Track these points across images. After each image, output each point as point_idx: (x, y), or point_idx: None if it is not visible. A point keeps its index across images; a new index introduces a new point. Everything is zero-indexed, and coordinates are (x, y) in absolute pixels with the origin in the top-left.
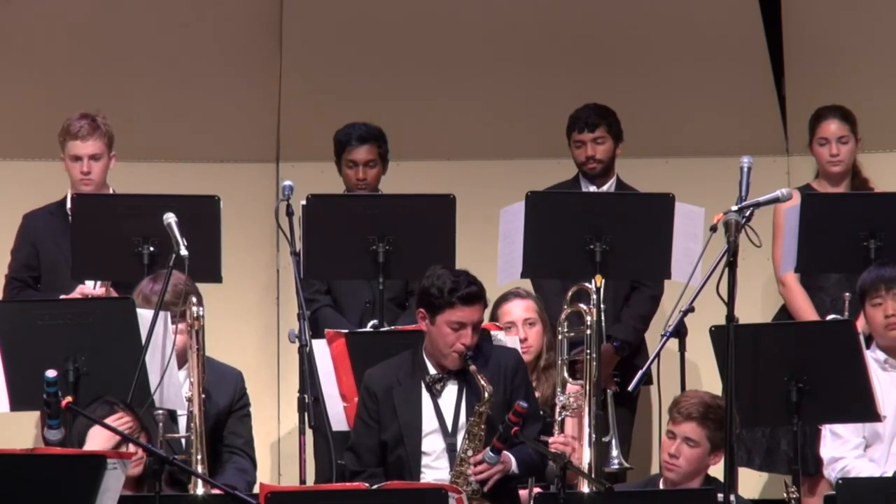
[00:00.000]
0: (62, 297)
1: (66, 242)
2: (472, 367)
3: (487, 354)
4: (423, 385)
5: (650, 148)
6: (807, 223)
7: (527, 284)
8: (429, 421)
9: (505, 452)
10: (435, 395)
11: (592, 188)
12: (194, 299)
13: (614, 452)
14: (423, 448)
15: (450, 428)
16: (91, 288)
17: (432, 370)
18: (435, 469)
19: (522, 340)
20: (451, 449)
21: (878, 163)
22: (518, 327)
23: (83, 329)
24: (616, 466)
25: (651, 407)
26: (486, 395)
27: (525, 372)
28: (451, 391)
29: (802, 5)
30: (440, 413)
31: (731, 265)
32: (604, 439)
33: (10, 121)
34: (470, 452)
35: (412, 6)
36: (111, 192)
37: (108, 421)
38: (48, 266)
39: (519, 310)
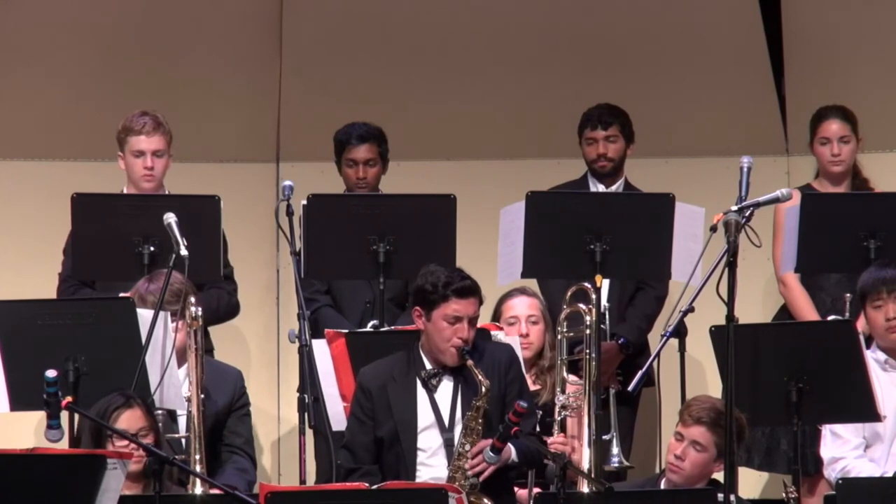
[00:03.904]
0: (121, 294)
1: None
2: (470, 362)
3: (482, 350)
4: (418, 381)
5: (650, 148)
6: (807, 223)
7: (531, 283)
8: (425, 416)
9: None
10: (431, 391)
11: (601, 188)
12: (193, 299)
13: (615, 451)
14: (419, 444)
15: (447, 423)
16: None
17: (428, 366)
18: (431, 467)
19: (524, 336)
20: (448, 444)
21: (878, 163)
22: (521, 323)
23: (83, 329)
24: (616, 465)
25: (654, 406)
26: (484, 389)
27: (519, 366)
28: (446, 386)
29: (802, 5)
30: (437, 408)
31: (731, 265)
32: (604, 437)
33: (11, 121)
34: (467, 447)
35: (413, 6)
36: (166, 192)
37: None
38: None
39: (523, 306)
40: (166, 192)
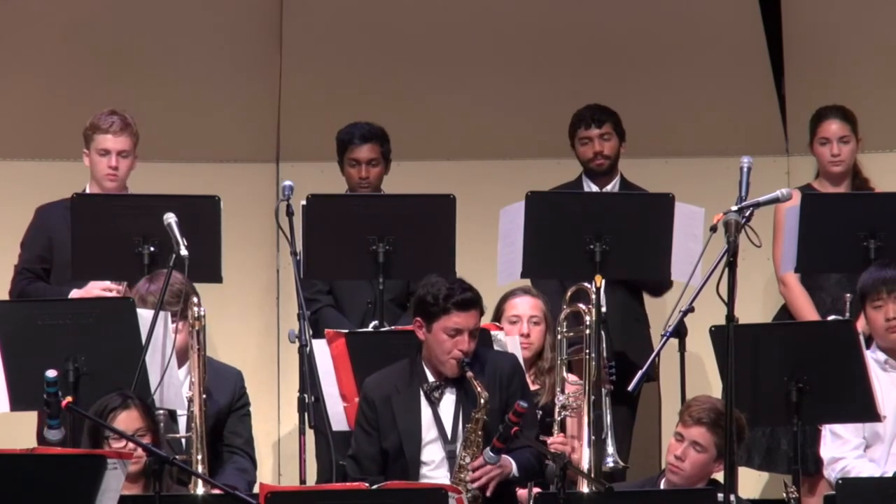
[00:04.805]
0: (74, 291)
1: None
2: (469, 374)
3: (484, 360)
4: (421, 393)
5: (650, 148)
6: (807, 223)
7: (529, 282)
8: (428, 429)
9: (505, 456)
10: (433, 404)
11: (594, 188)
12: (195, 299)
13: (609, 451)
14: (423, 457)
15: (449, 435)
16: (105, 285)
17: (431, 378)
18: (434, 479)
19: (525, 336)
20: (450, 457)
21: (878, 163)
22: (523, 323)
23: (83, 329)
24: (611, 465)
25: (654, 406)
26: (482, 401)
27: (522, 377)
28: (449, 399)
29: (802, 5)
30: (439, 421)
31: (731, 265)
32: (601, 436)
33: (11, 121)
34: (468, 459)
35: (412, 6)
36: (128, 192)
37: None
38: (62, 261)
39: (526, 306)
40: (128, 192)
